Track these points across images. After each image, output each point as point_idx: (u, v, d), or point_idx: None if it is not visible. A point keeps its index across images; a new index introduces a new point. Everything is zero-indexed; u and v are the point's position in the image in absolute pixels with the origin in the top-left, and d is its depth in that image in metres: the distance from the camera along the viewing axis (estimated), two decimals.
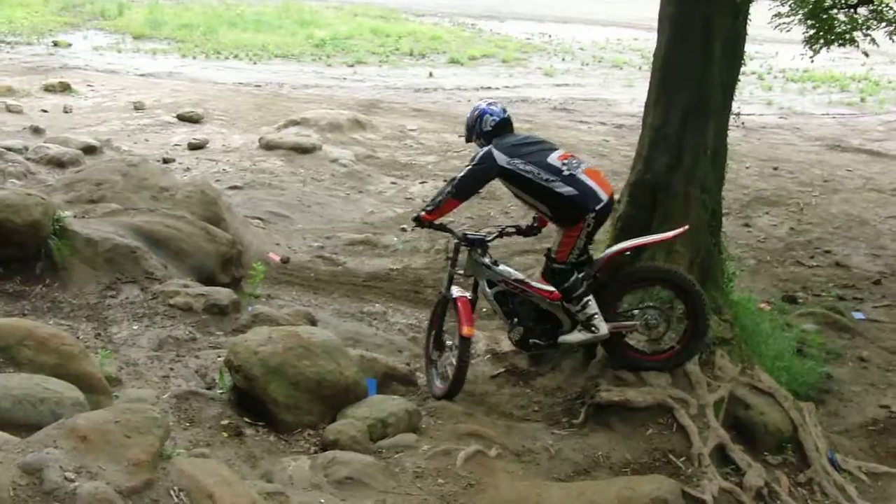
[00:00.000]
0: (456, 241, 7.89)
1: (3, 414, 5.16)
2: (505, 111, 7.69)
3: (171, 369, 7.27)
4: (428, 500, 5.95)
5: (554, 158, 7.28)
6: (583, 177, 7.23)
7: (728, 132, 8.89)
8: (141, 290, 8.56)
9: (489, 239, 7.96)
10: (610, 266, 7.59)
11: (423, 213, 7.63)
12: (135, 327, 7.95)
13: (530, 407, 7.75)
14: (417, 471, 6.19)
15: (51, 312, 7.95)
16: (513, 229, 8.29)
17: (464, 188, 7.42)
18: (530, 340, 7.69)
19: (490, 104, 7.78)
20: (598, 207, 7.20)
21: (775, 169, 17.95)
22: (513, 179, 7.33)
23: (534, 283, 7.69)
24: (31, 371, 5.76)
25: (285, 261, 11.70)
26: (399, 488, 5.95)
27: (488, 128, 7.57)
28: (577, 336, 7.47)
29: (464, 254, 7.89)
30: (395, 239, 13.32)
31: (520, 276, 7.73)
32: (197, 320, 8.25)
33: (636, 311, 7.64)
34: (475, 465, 6.35)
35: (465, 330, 7.48)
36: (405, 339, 9.70)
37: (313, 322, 9.13)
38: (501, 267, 7.78)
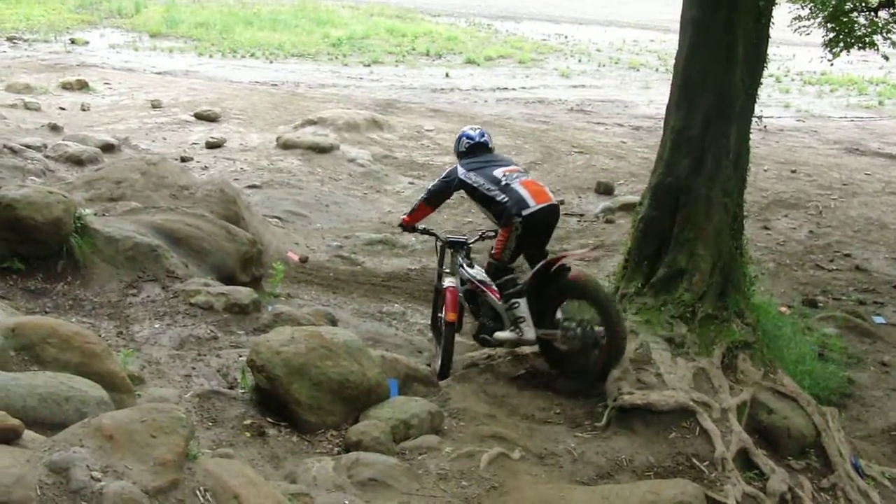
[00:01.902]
0: (440, 243, 8.90)
1: (28, 412, 5.14)
2: (483, 136, 8.74)
3: (193, 368, 7.26)
4: (451, 502, 5.93)
5: (499, 172, 8.23)
6: (516, 186, 8.08)
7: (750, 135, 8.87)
8: (162, 288, 8.55)
9: (471, 241, 8.90)
10: (546, 275, 8.01)
11: (403, 216, 8.92)
12: (156, 326, 7.94)
13: (552, 409, 7.70)
14: (441, 472, 6.16)
15: (73, 310, 7.95)
16: (492, 233, 8.72)
17: (433, 197, 8.65)
18: (481, 335, 8.43)
19: (471, 129, 8.91)
20: (525, 213, 7.94)
21: (793, 172, 17.91)
22: (468, 190, 8.38)
23: (492, 286, 8.31)
24: (55, 369, 5.75)
25: (304, 260, 11.70)
26: (422, 490, 5.93)
27: (463, 148, 8.75)
28: (506, 334, 8.14)
29: (448, 254, 8.80)
30: (414, 239, 13.31)
31: (483, 278, 8.37)
32: (218, 319, 8.24)
33: (563, 323, 8.04)
34: (498, 468, 6.32)
35: (449, 316, 8.32)
36: (425, 340, 9.69)
37: (333, 322, 9.13)
38: (474, 269, 8.54)
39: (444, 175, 8.70)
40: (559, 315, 8.10)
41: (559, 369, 8.13)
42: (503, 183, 8.11)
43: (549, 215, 8.14)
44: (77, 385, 5.51)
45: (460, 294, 8.47)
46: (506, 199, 8.02)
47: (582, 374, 7.93)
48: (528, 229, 8.00)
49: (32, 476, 4.13)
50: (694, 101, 8.45)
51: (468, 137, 8.71)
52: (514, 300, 8.03)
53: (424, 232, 8.97)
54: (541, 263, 8.02)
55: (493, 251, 8.26)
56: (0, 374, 5.24)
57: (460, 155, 8.72)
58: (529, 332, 7.99)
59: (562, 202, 15.39)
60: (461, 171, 8.39)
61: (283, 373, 6.67)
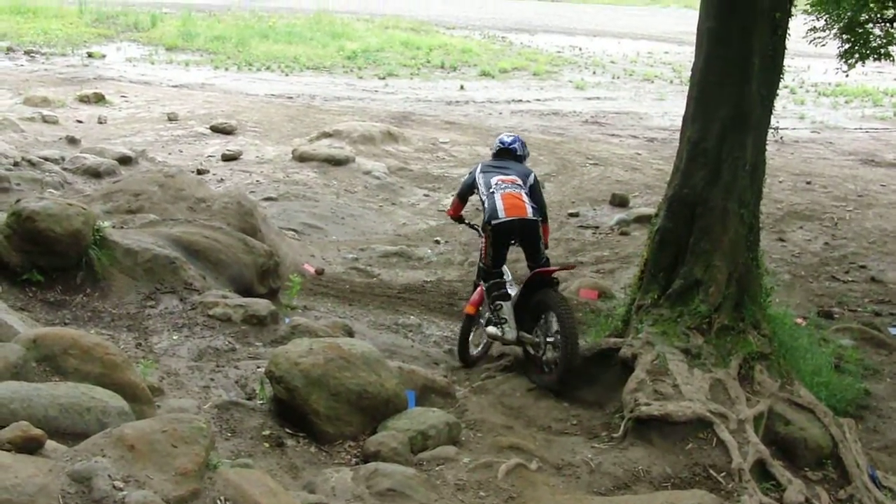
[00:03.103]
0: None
1: (50, 422, 5.18)
2: (513, 143, 9.36)
3: (212, 379, 7.30)
4: None
5: (495, 179, 8.81)
6: (496, 197, 8.67)
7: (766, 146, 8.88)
8: (180, 300, 8.61)
9: None
10: (532, 286, 8.60)
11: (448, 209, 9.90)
12: (175, 337, 7.99)
13: (569, 420, 7.73)
14: (459, 483, 6.18)
15: (91, 322, 8.01)
16: None
17: (460, 192, 9.38)
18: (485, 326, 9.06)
19: (507, 135, 9.64)
20: (494, 223, 8.61)
21: (809, 183, 17.89)
22: (476, 188, 8.99)
23: (482, 287, 9.07)
24: (76, 380, 5.79)
25: (320, 272, 11.74)
26: (441, 501, 5.94)
27: (493, 150, 9.53)
28: (492, 330, 8.85)
29: None
30: (429, 251, 13.35)
31: (505, 277, 9.01)
32: (236, 331, 8.29)
33: (536, 330, 8.62)
34: (516, 479, 6.33)
35: (467, 308, 9.30)
36: (441, 352, 9.73)
37: (350, 333, 9.16)
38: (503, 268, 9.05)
39: (470, 171, 9.43)
40: (542, 322, 8.57)
41: (529, 366, 8.65)
42: (491, 191, 8.74)
43: (518, 228, 8.67)
44: (98, 395, 5.56)
45: (485, 289, 9.07)
46: (486, 207, 8.74)
47: (542, 376, 8.40)
48: (496, 237, 8.72)
49: (55, 485, 4.17)
50: (710, 113, 8.47)
51: (500, 141, 9.40)
52: (497, 303, 8.75)
53: (471, 226, 9.77)
54: (530, 275, 8.65)
55: (480, 256, 9.09)
56: (22, 385, 5.28)
57: (491, 156, 9.46)
58: (509, 333, 8.67)
59: (576, 214, 15.46)
60: (477, 170, 9.07)
61: (301, 384, 6.70)
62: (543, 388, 8.25)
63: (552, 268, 8.77)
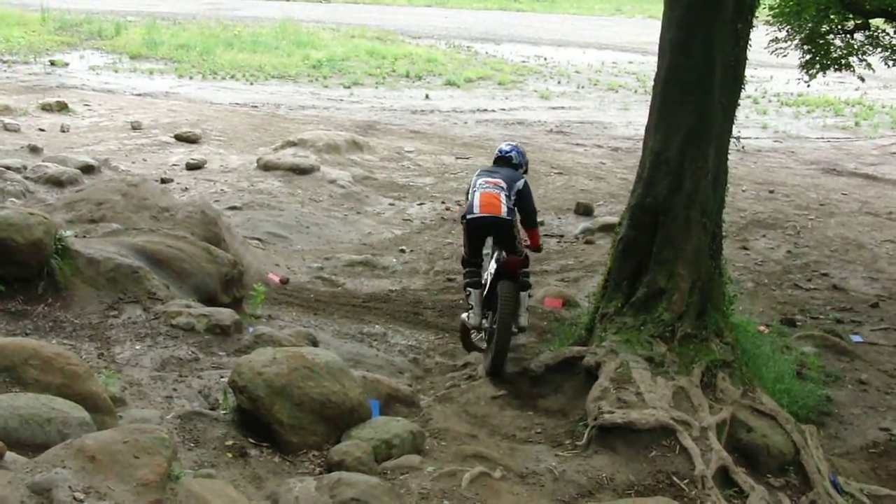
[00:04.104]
0: None
1: (10, 433, 5.15)
2: (509, 152, 9.82)
3: (175, 389, 7.27)
4: None
5: (482, 181, 9.32)
6: (476, 195, 9.21)
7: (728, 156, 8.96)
8: (143, 310, 8.56)
9: None
10: (498, 275, 8.98)
11: None
12: (137, 347, 7.95)
13: (533, 429, 7.75)
14: (423, 492, 6.18)
15: (53, 332, 7.95)
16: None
17: (467, 193, 9.62)
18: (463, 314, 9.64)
19: (507, 144, 10.12)
20: (469, 217, 9.21)
21: (771, 192, 18.03)
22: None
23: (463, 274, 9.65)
24: (36, 391, 5.76)
25: (285, 281, 11.71)
26: None
27: (494, 157, 9.97)
28: (462, 315, 9.56)
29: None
30: (394, 260, 13.35)
31: (485, 267, 9.37)
32: (199, 340, 8.25)
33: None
34: (480, 487, 6.34)
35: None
36: (406, 361, 9.72)
37: (314, 343, 9.15)
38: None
39: None
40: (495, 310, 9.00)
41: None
42: (474, 189, 9.28)
43: (490, 225, 9.15)
44: (59, 406, 5.53)
45: None
46: (467, 202, 9.35)
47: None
48: (470, 230, 9.31)
49: (14, 497, 4.14)
50: (672, 123, 8.54)
51: (499, 150, 9.98)
52: (468, 289, 9.35)
53: None
54: (496, 266, 9.05)
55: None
56: None
57: (492, 162, 9.99)
58: (473, 319, 9.22)
59: (541, 223, 15.48)
60: (475, 174, 9.61)
61: (265, 393, 6.69)
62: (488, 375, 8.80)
63: (514, 258, 9.03)
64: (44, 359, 6.03)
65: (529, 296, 9.68)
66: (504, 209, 9.05)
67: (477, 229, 9.26)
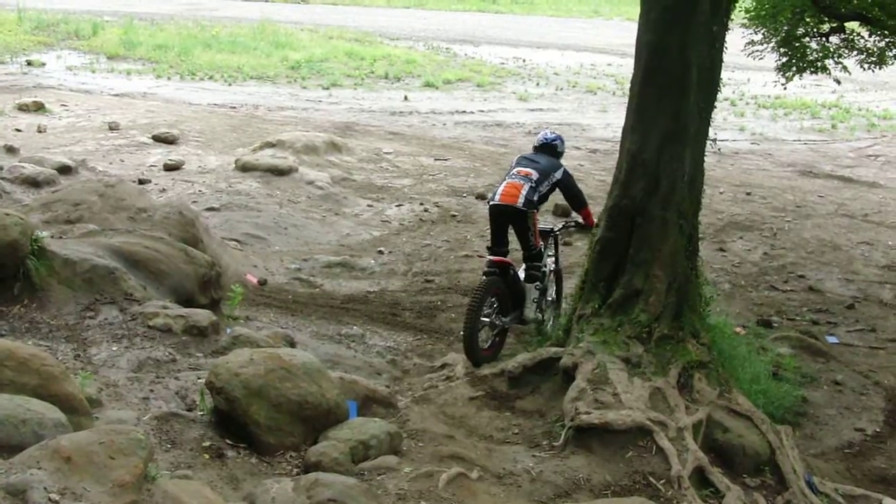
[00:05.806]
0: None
1: None
2: (552, 140, 10.05)
3: (152, 391, 7.25)
4: None
5: (515, 170, 9.56)
6: (503, 182, 9.52)
7: (704, 158, 9.00)
8: (120, 311, 8.52)
9: (557, 229, 10.52)
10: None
11: None
12: (114, 348, 7.92)
13: (510, 430, 7.77)
14: (400, 493, 6.19)
15: (29, 333, 7.91)
16: (573, 224, 10.75)
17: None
18: None
19: (549, 132, 10.35)
20: (490, 203, 9.57)
21: (748, 194, 18.11)
22: None
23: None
24: (11, 392, 5.73)
25: (263, 283, 11.69)
26: None
27: (534, 145, 10.19)
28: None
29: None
30: (372, 262, 13.35)
31: (549, 265, 10.16)
32: (176, 342, 8.23)
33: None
34: (457, 488, 6.36)
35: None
36: (384, 362, 9.72)
37: (292, 344, 9.14)
38: (546, 258, 10.09)
39: None
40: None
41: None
42: (505, 176, 9.60)
43: (504, 213, 9.39)
44: (34, 407, 5.50)
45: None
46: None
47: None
48: (490, 216, 9.61)
49: None
50: (649, 125, 8.58)
51: (543, 137, 10.14)
52: (482, 277, 9.55)
53: None
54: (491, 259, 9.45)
55: None
56: None
57: (532, 149, 10.19)
58: (528, 312, 9.71)
59: None
60: (514, 160, 9.90)
61: (241, 394, 6.69)
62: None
63: (503, 259, 9.36)
64: (20, 360, 6.00)
65: (537, 288, 9.86)
66: (521, 200, 9.28)
67: (494, 216, 9.50)
